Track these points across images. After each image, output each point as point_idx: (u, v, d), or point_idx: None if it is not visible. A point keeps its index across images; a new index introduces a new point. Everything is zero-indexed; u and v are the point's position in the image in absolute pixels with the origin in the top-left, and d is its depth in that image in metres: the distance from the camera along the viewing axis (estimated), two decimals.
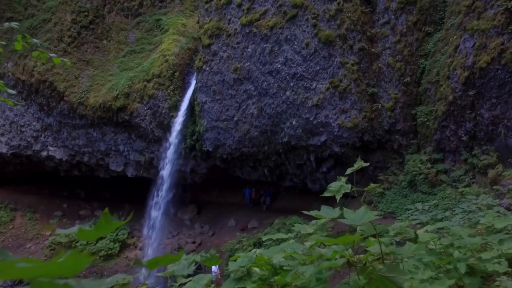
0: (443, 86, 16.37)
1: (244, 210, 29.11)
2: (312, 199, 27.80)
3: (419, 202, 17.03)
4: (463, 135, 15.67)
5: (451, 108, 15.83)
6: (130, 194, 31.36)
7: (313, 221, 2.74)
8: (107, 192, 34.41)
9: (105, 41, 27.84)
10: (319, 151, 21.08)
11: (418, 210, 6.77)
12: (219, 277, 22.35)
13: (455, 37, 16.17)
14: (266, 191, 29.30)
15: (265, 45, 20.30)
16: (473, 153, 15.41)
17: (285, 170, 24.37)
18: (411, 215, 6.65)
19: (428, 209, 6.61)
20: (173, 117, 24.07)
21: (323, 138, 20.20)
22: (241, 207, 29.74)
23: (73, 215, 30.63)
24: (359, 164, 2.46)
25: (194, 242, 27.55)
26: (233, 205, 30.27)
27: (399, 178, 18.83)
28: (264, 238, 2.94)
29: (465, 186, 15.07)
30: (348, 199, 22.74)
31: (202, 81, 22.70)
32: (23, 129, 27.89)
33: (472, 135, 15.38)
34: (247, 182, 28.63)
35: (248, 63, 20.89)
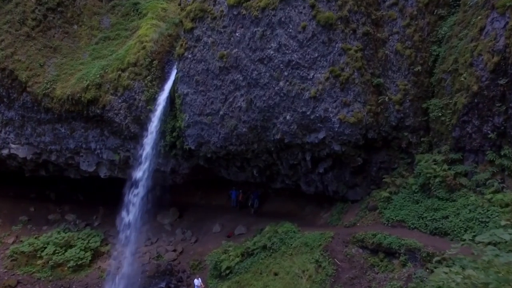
0: (464, 75, 14.11)
1: (230, 214, 26.79)
2: (304, 202, 25.55)
3: (433, 209, 14.76)
4: (489, 132, 13.43)
5: (475, 100, 13.57)
6: (106, 195, 28.46)
7: None
8: (80, 194, 31.46)
9: (75, 26, 25.02)
10: (316, 149, 18.76)
11: (505, 242, 4.43)
12: None
13: (479, 17, 13.89)
14: (254, 193, 27.06)
15: (255, 29, 17.97)
16: (502, 153, 13.17)
17: (276, 171, 22.05)
18: (497, 253, 4.28)
19: None
20: (151, 111, 21.37)
21: (321, 135, 17.87)
22: (227, 210, 27.43)
23: (40, 220, 27.65)
24: None
25: (175, 250, 24.99)
26: (218, 208, 27.96)
27: (409, 181, 16.55)
28: None
29: (494, 192, 12.83)
30: (348, 204, 20.46)
31: (184, 70, 20.22)
32: None
33: (501, 131, 13.14)
34: (234, 183, 26.41)
35: (236, 50, 18.54)
